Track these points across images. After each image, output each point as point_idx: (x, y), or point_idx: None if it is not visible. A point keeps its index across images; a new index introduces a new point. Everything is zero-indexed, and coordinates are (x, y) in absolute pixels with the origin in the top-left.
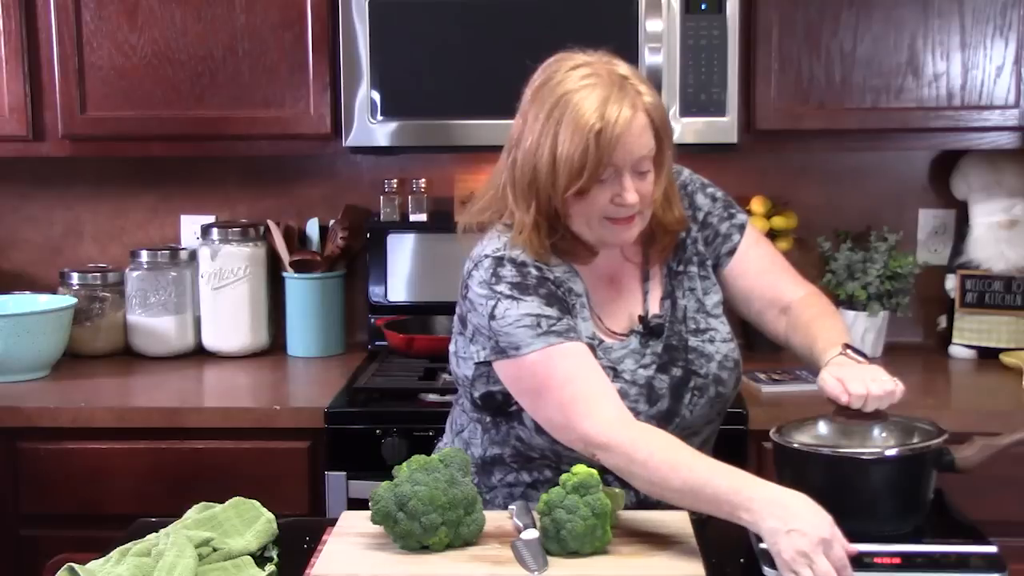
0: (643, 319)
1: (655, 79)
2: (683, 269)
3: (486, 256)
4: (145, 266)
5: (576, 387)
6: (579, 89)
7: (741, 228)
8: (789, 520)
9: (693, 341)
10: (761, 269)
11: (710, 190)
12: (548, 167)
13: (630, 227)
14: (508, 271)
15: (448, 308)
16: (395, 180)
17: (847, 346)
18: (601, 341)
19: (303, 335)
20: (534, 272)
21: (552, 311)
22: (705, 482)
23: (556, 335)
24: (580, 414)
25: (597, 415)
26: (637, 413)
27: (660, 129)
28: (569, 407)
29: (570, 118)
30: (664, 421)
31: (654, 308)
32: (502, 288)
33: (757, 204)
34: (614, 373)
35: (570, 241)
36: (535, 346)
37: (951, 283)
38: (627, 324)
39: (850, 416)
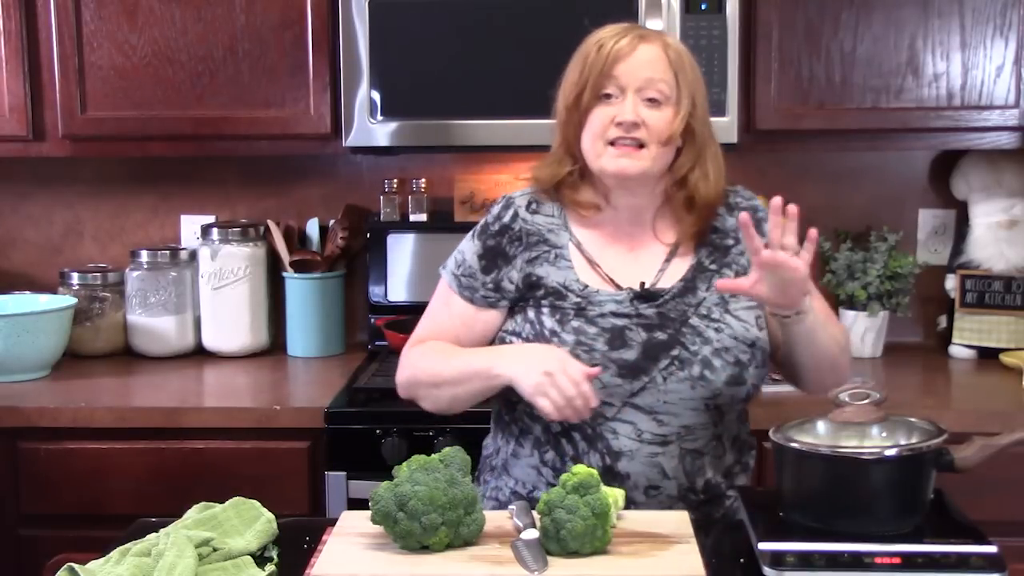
0: (643, 284)
1: None
2: (716, 269)
3: (506, 195)
4: (145, 266)
5: (424, 326)
6: (601, 28)
7: None
8: (526, 358)
9: (696, 320)
10: None
11: None
12: (562, 90)
13: (630, 156)
14: (496, 208)
15: None
16: (395, 180)
17: None
18: (586, 286)
19: (303, 335)
20: (506, 218)
21: (474, 263)
22: (469, 363)
23: (456, 281)
24: (408, 344)
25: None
26: (592, 351)
27: (678, 70)
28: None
29: (583, 44)
30: (631, 375)
31: (664, 284)
32: (481, 221)
33: None
34: (579, 310)
35: (578, 189)
36: (445, 276)
37: (951, 283)
38: (629, 284)
39: (850, 406)
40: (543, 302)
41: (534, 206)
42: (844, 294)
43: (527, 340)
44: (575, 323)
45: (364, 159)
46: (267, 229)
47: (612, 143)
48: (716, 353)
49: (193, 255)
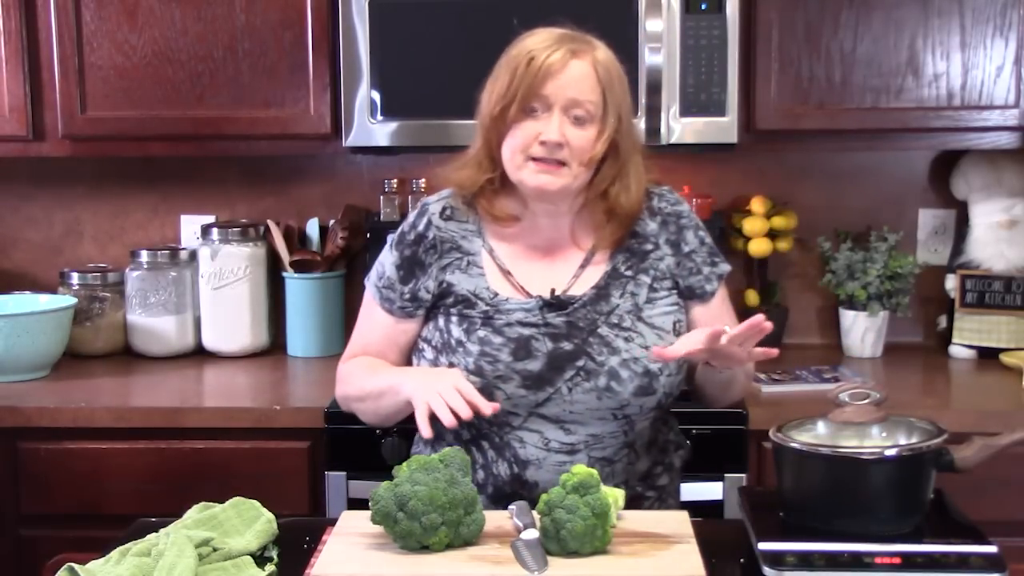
0: (553, 292)
1: (655, 79)
2: (632, 275)
3: (424, 201)
4: (145, 266)
5: (354, 339)
6: (533, 34)
7: (720, 277)
8: (427, 378)
9: (605, 330)
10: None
11: (701, 233)
12: (487, 95)
13: (550, 173)
14: (412, 216)
15: None
16: (395, 180)
17: None
18: (496, 294)
19: (303, 335)
20: (420, 227)
21: (392, 273)
22: (383, 380)
23: (378, 293)
24: (341, 359)
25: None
26: (497, 362)
27: (606, 87)
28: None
29: (512, 50)
30: (535, 386)
31: (576, 291)
32: (398, 230)
33: (757, 204)
34: (486, 319)
35: (496, 199)
36: (369, 287)
37: (951, 283)
38: (541, 292)
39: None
40: (452, 310)
41: (448, 212)
42: (844, 294)
43: (436, 348)
44: (481, 332)
45: (364, 159)
46: (267, 229)
47: (533, 159)
48: (624, 364)
49: (193, 255)
